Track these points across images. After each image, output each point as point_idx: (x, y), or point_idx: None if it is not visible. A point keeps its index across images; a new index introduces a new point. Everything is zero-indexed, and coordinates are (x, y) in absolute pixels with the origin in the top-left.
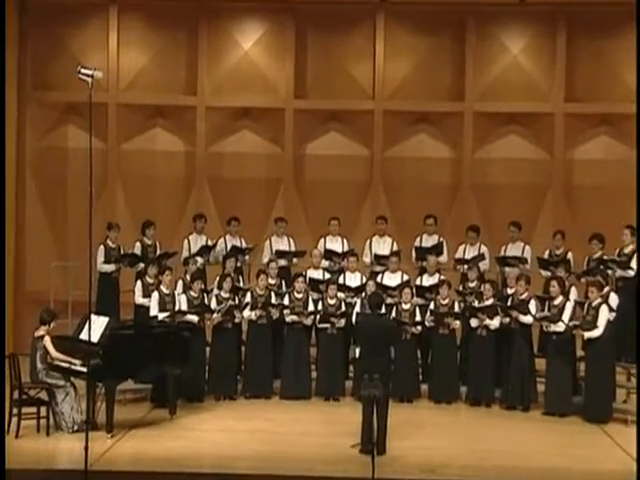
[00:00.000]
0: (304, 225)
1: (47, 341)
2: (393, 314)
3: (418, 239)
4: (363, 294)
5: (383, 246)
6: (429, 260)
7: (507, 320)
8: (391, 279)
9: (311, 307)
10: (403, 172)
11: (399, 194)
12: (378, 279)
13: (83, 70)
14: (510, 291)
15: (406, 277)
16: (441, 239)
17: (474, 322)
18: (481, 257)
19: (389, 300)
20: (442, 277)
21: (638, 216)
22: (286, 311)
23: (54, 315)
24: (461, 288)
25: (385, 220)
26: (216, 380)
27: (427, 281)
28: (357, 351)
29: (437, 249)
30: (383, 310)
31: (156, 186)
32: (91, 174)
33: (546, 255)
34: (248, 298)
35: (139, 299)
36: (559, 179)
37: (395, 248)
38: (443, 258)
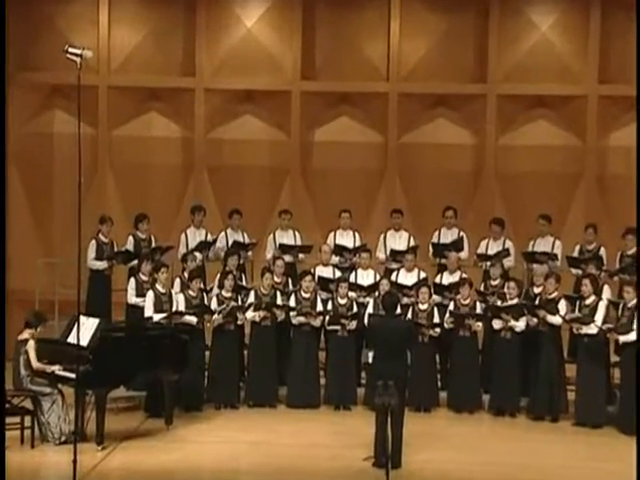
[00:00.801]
0: (312, 218)
1: (30, 347)
2: (409, 315)
3: (436, 233)
4: (376, 293)
5: (398, 241)
6: (449, 256)
7: (534, 321)
8: (407, 277)
9: (320, 307)
10: (420, 160)
11: (416, 184)
12: (393, 277)
13: (71, 49)
14: (537, 290)
15: (423, 275)
16: (461, 233)
17: (497, 324)
18: (505, 253)
19: (405, 300)
20: (463, 275)
21: (638, 215)
22: (292, 312)
23: (42, 319)
24: (483, 287)
25: (401, 213)
26: (216, 387)
27: (446, 279)
28: (370, 355)
29: (457, 244)
30: (398, 311)
31: (151, 176)
32: (80, 163)
33: (576, 251)
34: (251, 298)
35: (132, 299)
36: (591, 168)
37: (412, 243)
38: (464, 254)
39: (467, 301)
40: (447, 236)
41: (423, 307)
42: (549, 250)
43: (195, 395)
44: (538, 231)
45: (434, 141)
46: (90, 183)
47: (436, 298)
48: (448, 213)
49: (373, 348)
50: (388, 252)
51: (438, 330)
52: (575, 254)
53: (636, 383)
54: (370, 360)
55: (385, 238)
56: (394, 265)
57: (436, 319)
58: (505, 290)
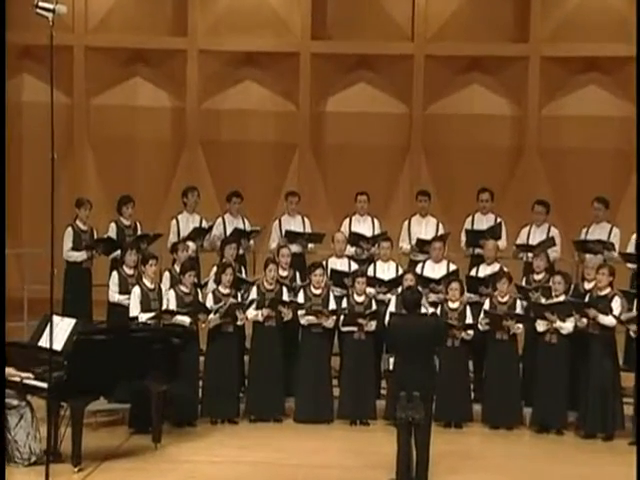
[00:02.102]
0: (324, 202)
1: None
2: (437, 315)
3: (470, 219)
4: (399, 289)
5: (425, 228)
6: (484, 246)
7: (584, 322)
8: (435, 270)
9: (333, 305)
10: (450, 134)
11: (445, 162)
12: (418, 270)
13: (41, 4)
14: (589, 285)
15: (454, 267)
16: (499, 219)
17: (541, 325)
18: (550, 242)
19: (432, 297)
20: (500, 267)
21: (638, 213)
22: (301, 311)
23: None
24: (524, 282)
25: (427, 195)
26: (212, 398)
27: (481, 272)
28: (391, 362)
29: (494, 232)
30: (423, 310)
31: (136, 152)
32: (53, 136)
33: (632, 241)
34: (253, 294)
35: (115, 296)
36: None
37: (440, 231)
38: (501, 243)
39: (505, 298)
40: (482, 222)
41: (454, 305)
42: (605, 238)
43: (188, 408)
44: (592, 217)
45: (466, 112)
46: (65, 160)
47: (469, 295)
48: (483, 196)
49: (394, 353)
50: (413, 241)
51: (471, 332)
52: (631, 246)
53: (635, 383)
54: (391, 367)
55: (409, 225)
56: (420, 256)
57: (469, 319)
58: (550, 285)
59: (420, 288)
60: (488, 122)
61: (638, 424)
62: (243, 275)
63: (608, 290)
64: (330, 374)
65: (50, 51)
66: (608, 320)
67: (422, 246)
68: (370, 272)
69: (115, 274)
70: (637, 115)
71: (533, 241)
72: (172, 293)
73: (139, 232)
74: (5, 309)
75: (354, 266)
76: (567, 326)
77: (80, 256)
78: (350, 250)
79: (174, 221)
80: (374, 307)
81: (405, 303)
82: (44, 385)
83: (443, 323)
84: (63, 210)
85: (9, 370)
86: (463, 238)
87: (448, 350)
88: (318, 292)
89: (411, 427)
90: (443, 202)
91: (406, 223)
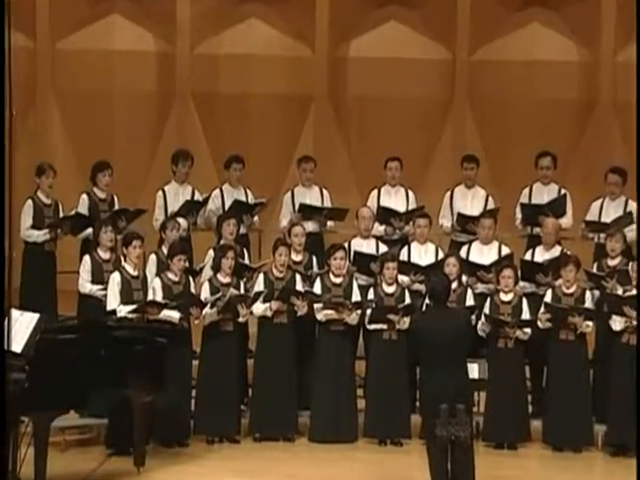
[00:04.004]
0: (346, 169)
1: None
2: (486, 309)
3: (527, 191)
4: None
5: (470, 202)
6: (544, 223)
7: None
8: (484, 254)
9: (357, 297)
10: (503, 85)
11: (497, 121)
12: (462, 254)
13: None
14: None
15: (507, 251)
16: (563, 191)
17: (617, 322)
18: (628, 219)
19: (479, 287)
20: (565, 250)
21: (639, 210)
22: (318, 304)
23: None
24: (596, 268)
25: (475, 161)
26: (208, 412)
27: (540, 257)
28: None
29: (557, 206)
30: (470, 302)
31: (113, 108)
32: (10, 88)
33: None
34: (260, 284)
35: (87, 285)
36: None
37: (490, 205)
38: (566, 220)
39: (572, 289)
40: (542, 194)
41: (506, 297)
42: None
43: (178, 423)
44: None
45: (524, 57)
46: (25, 117)
47: (525, 284)
48: (544, 162)
49: (420, 357)
50: (455, 218)
51: (528, 331)
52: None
53: (636, 383)
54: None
55: (452, 198)
56: (464, 237)
57: (526, 315)
58: (628, 272)
59: (465, 276)
60: (551, 70)
61: (638, 428)
62: (246, 260)
63: None
64: (354, 382)
65: None
66: None
67: (466, 223)
68: (403, 256)
69: (87, 259)
70: (637, 113)
71: (606, 218)
72: (158, 282)
73: (117, 206)
74: (5, 309)
75: (383, 248)
76: None
77: (42, 235)
78: (379, 229)
79: (160, 193)
80: (408, 300)
81: (432, 291)
82: None
83: (469, 315)
84: (21, 178)
85: None
86: (518, 214)
87: (499, 353)
88: (339, 281)
89: (452, 448)
90: (494, 170)
91: (447, 196)
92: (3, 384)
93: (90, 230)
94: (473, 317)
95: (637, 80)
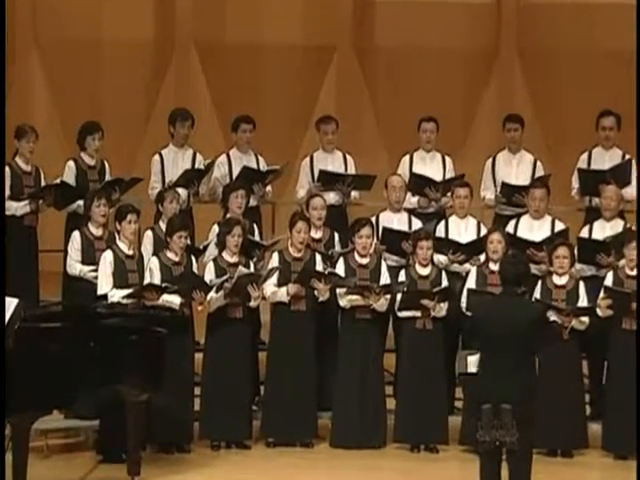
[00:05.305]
0: (373, 131)
1: None
2: (537, 293)
3: (585, 156)
4: (482, 257)
5: (517, 169)
6: (604, 193)
7: None
8: (534, 229)
9: (386, 280)
10: (558, 33)
11: (550, 74)
12: (510, 229)
13: None
14: None
15: (561, 226)
16: (628, 156)
17: None
18: None
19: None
20: (629, 225)
21: (638, 209)
22: (341, 288)
23: None
24: None
25: (519, 122)
26: (214, 413)
27: (599, 233)
28: (471, 361)
29: (620, 173)
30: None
31: (103, 60)
32: None
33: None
34: (274, 262)
35: (76, 266)
36: None
37: (539, 172)
38: (630, 190)
39: (636, 270)
40: (603, 160)
41: (560, 281)
42: None
43: (178, 426)
44: None
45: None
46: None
47: (582, 267)
48: (606, 121)
49: (479, 349)
50: (499, 188)
51: (586, 320)
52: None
53: (636, 383)
54: (470, 369)
55: (494, 165)
56: (509, 210)
57: (582, 301)
58: None
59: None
60: (613, 15)
61: (638, 428)
62: (256, 236)
63: None
64: (382, 378)
65: None
66: None
67: (513, 195)
68: (440, 232)
69: (76, 235)
70: (637, 112)
71: None
72: (156, 262)
73: (108, 175)
74: (4, 308)
75: (416, 224)
76: None
77: (20, 208)
78: (411, 201)
79: (157, 157)
80: (445, 283)
81: (504, 275)
82: None
83: (545, 313)
84: None
85: None
86: (575, 183)
87: (553, 346)
88: (365, 261)
89: (500, 455)
90: (546, 132)
91: (489, 163)
92: (3, 385)
93: (78, 203)
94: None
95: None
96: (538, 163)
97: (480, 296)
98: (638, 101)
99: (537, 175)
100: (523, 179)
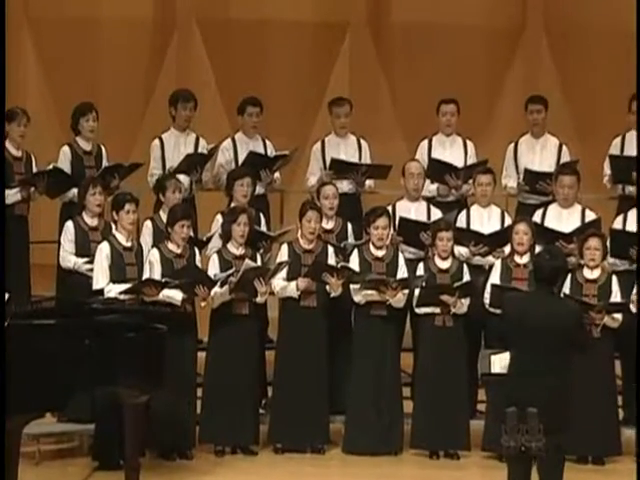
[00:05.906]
0: (389, 114)
1: None
2: (566, 288)
3: (618, 141)
4: (506, 249)
5: (541, 155)
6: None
7: None
8: (563, 220)
9: (403, 274)
10: (588, 10)
11: (580, 53)
12: (537, 218)
13: None
14: None
15: (592, 215)
16: None
17: None
18: None
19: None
20: None
21: (638, 208)
22: (355, 284)
23: None
24: None
25: (543, 103)
26: (217, 416)
27: (634, 223)
28: (495, 361)
29: None
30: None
31: (100, 38)
32: None
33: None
34: (284, 255)
35: (70, 258)
36: None
37: (565, 157)
38: None
39: None
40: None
41: (591, 274)
42: None
43: (179, 430)
44: None
45: None
46: None
47: (615, 261)
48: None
49: (507, 349)
50: (522, 175)
51: (619, 317)
52: None
53: (636, 382)
54: (496, 369)
55: (516, 151)
56: (533, 199)
57: (616, 297)
58: None
59: (537, 247)
60: None
61: (638, 428)
62: (263, 227)
63: None
64: (399, 380)
65: None
66: None
67: (537, 182)
68: (461, 222)
69: (70, 225)
70: (638, 112)
71: None
72: (156, 254)
73: (105, 160)
74: (4, 308)
75: (436, 214)
76: None
77: (11, 195)
78: (430, 189)
79: (157, 142)
80: (467, 277)
81: (538, 271)
82: None
83: (582, 314)
84: None
85: None
86: (607, 170)
87: (585, 345)
88: (381, 254)
89: (528, 462)
90: (575, 115)
91: (511, 148)
92: (3, 385)
93: (73, 191)
94: None
95: (637, 82)
96: (564, 147)
97: (511, 293)
98: None
99: (563, 160)
100: (548, 165)
